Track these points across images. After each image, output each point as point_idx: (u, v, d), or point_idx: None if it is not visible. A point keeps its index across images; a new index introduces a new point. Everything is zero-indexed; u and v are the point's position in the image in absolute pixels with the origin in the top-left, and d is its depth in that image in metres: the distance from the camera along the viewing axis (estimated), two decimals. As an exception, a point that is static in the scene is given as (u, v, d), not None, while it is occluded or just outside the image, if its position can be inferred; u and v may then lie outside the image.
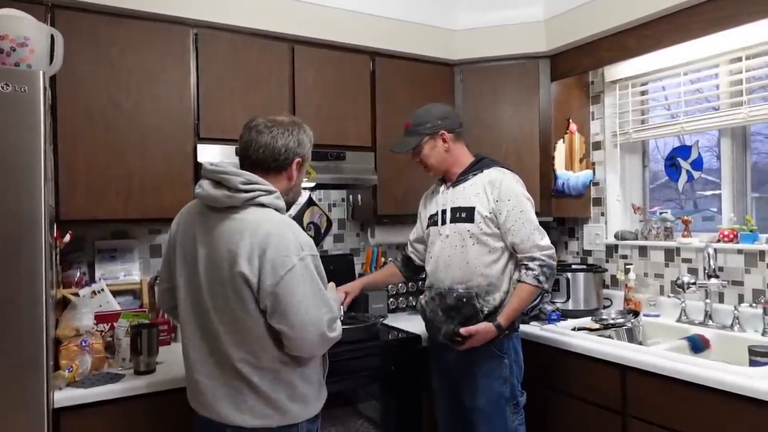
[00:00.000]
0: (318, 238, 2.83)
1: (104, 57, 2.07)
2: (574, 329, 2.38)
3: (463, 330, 1.93)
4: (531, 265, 1.98)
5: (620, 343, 2.15)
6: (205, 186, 1.49)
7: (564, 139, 2.82)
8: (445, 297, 2.04)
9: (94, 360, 1.87)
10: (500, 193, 2.01)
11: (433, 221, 2.17)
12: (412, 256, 2.35)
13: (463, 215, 2.05)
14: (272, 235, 1.39)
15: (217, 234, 1.45)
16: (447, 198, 2.13)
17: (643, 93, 2.78)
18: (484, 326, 1.94)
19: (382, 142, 2.66)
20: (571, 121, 2.85)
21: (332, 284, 1.79)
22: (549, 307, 2.54)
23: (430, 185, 2.36)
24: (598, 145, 2.93)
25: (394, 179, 2.69)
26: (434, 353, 2.22)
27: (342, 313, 2.23)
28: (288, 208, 1.63)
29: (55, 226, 1.95)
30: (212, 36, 2.27)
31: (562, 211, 2.86)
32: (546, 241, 2.00)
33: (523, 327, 2.31)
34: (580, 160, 2.87)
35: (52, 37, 1.74)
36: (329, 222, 2.88)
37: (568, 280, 2.64)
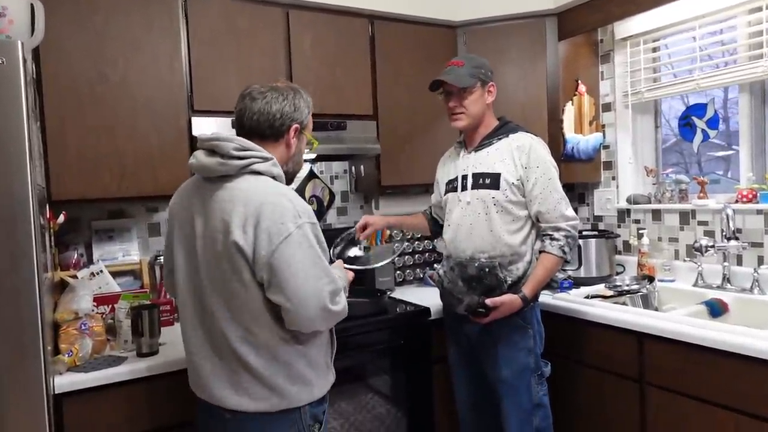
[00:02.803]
0: (321, 212, 2.75)
1: (88, 26, 1.96)
2: (587, 297, 2.32)
3: (488, 301, 1.85)
4: (556, 235, 1.91)
5: (636, 310, 2.09)
6: (198, 156, 1.41)
7: (573, 101, 2.72)
8: (466, 267, 1.96)
9: (95, 343, 1.81)
10: (529, 159, 1.93)
11: (452, 187, 2.09)
12: (436, 217, 2.28)
13: (487, 181, 1.97)
14: (267, 203, 1.32)
15: (212, 205, 1.38)
16: (468, 163, 2.04)
17: (655, 50, 2.65)
18: (509, 297, 1.87)
19: (384, 110, 2.56)
20: (579, 82, 2.74)
21: (339, 262, 1.73)
22: (560, 275, 2.48)
23: (435, 153, 2.27)
24: (608, 107, 2.82)
25: (397, 148, 2.60)
26: (451, 325, 2.15)
27: (363, 243, 2.19)
28: (289, 181, 1.56)
29: (47, 207, 1.88)
30: (202, 3, 2.15)
31: (572, 176, 2.77)
32: (571, 211, 1.94)
33: (534, 296, 2.24)
34: (590, 123, 2.77)
35: (32, 6, 1.64)
36: (332, 195, 2.79)
37: (579, 246, 2.56)
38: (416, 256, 2.90)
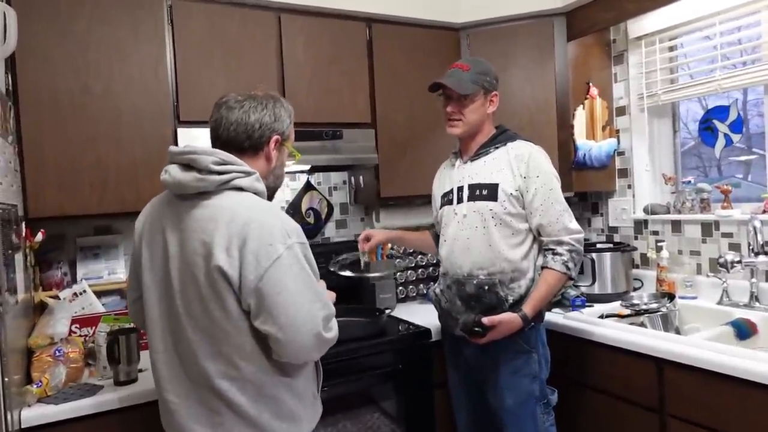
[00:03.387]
0: (319, 225, 2.64)
1: (68, 34, 1.87)
2: (601, 317, 2.16)
3: (485, 320, 1.72)
4: (559, 249, 1.76)
5: (655, 333, 1.92)
6: (172, 171, 1.29)
7: (584, 105, 2.56)
8: (464, 284, 1.84)
9: (71, 371, 1.70)
10: (528, 168, 1.79)
11: (447, 200, 1.96)
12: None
13: (485, 192, 1.84)
14: (253, 222, 1.20)
15: (189, 225, 1.25)
16: (464, 173, 1.91)
17: (671, 49, 2.49)
18: (508, 316, 1.74)
19: (383, 118, 2.43)
20: (591, 84, 2.58)
21: (323, 283, 1.59)
22: (572, 292, 2.32)
23: (438, 162, 2.14)
24: (622, 111, 2.65)
25: (397, 158, 2.47)
26: (450, 347, 2.02)
27: (364, 257, 2.10)
28: (270, 196, 1.44)
29: (23, 224, 1.78)
30: (188, 7, 2.05)
31: (584, 185, 2.61)
32: (575, 224, 1.80)
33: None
34: (603, 128, 2.61)
35: (4, 14, 1.54)
36: (330, 207, 2.68)
37: (593, 260, 2.40)
38: (419, 270, 2.76)
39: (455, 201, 1.92)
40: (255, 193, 1.30)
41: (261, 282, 1.19)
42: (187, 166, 1.28)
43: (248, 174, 1.30)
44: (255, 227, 1.20)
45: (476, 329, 1.73)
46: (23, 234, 1.77)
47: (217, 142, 1.36)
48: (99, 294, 2.07)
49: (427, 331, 2.15)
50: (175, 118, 2.04)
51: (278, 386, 1.27)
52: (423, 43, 2.51)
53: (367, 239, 2.08)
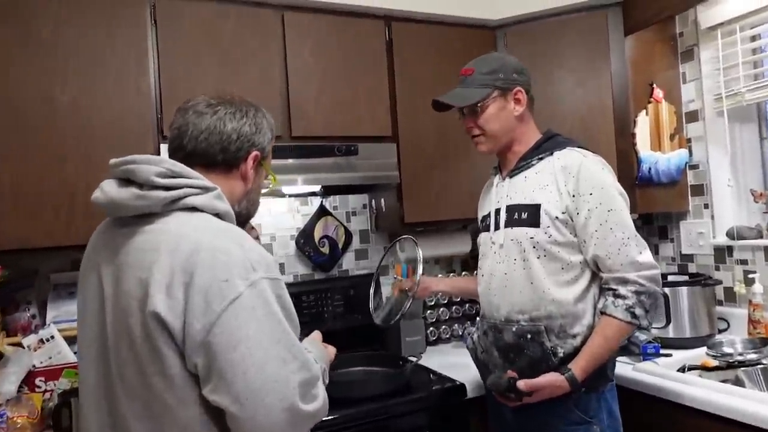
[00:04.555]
0: (335, 255, 2.28)
1: (32, 39, 1.61)
2: (682, 369, 1.70)
3: (521, 384, 1.34)
4: (622, 291, 1.36)
5: (760, 395, 1.45)
6: (105, 187, 0.98)
7: (647, 110, 2.15)
8: (502, 332, 1.47)
9: (15, 440, 1.38)
10: (578, 183, 1.40)
11: (485, 225, 1.61)
12: None
13: (524, 216, 1.46)
14: (203, 250, 0.89)
15: (125, 258, 0.94)
16: (503, 193, 1.55)
17: (754, 38, 2.05)
18: (551, 378, 1.34)
19: (406, 130, 2.09)
20: (655, 86, 2.17)
21: (316, 334, 1.23)
22: (643, 337, 1.87)
23: (475, 181, 1.78)
24: (694, 116, 2.22)
25: (424, 176, 2.10)
26: (492, 408, 1.62)
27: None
28: (241, 225, 1.11)
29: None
30: (174, 6, 1.77)
31: (650, 205, 2.18)
32: (647, 256, 1.39)
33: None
34: (671, 137, 2.18)
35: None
36: (348, 234, 2.32)
37: (666, 297, 1.95)
38: (453, 308, 2.36)
39: (492, 227, 1.56)
40: (215, 215, 0.97)
41: (211, 333, 0.85)
42: (126, 181, 0.96)
43: (206, 190, 0.98)
44: (206, 257, 0.88)
45: (509, 394, 1.34)
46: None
47: (179, 154, 1.05)
48: (71, 340, 1.76)
49: (461, 387, 1.74)
50: (159, 132, 1.75)
51: None
52: (452, 45, 2.15)
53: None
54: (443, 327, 2.32)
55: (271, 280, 0.92)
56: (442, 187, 2.12)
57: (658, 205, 2.22)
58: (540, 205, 1.43)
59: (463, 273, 2.43)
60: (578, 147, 1.50)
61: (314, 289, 2.16)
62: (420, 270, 1.73)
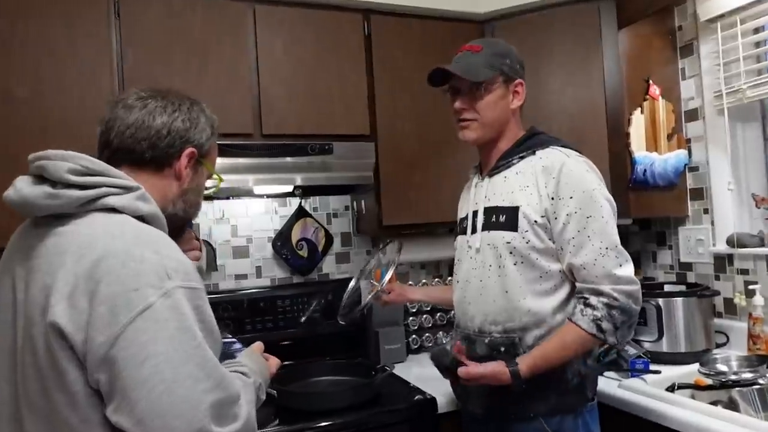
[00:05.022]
0: (315, 259, 2.20)
1: (-14, 33, 1.56)
2: (671, 388, 1.58)
3: (461, 371, 1.26)
4: (593, 301, 1.25)
5: (754, 422, 1.32)
6: (18, 184, 0.90)
7: (643, 108, 2.02)
8: (475, 343, 1.38)
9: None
10: (558, 185, 1.30)
11: (461, 228, 1.51)
12: None
13: (501, 219, 1.37)
14: (112, 256, 0.81)
15: (36, 262, 0.86)
16: (481, 194, 1.45)
17: (756, 31, 1.91)
18: (492, 370, 1.26)
19: (385, 128, 1.99)
20: (651, 82, 2.04)
21: (257, 345, 1.15)
22: (631, 350, 1.75)
23: (459, 182, 1.67)
24: (693, 114, 2.08)
25: (403, 177, 2.01)
26: (467, 426, 1.53)
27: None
28: (177, 228, 1.04)
29: None
30: (139, -2, 1.71)
31: (646, 209, 2.05)
32: (626, 270, 1.27)
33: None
34: (669, 136, 2.05)
35: None
36: (329, 237, 2.23)
37: (658, 308, 1.83)
38: (437, 315, 2.25)
39: (469, 230, 1.47)
40: (137, 217, 0.89)
41: (115, 346, 0.77)
42: (39, 177, 0.89)
43: (128, 189, 0.90)
44: (114, 264, 0.80)
45: (446, 372, 1.33)
46: None
47: (106, 150, 0.98)
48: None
49: (431, 401, 1.64)
50: (120, 130, 1.67)
51: None
52: (435, 39, 2.05)
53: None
54: (426, 335, 2.21)
55: (189, 289, 0.84)
56: (423, 189, 2.02)
57: (654, 209, 2.09)
58: (519, 207, 1.33)
59: (449, 279, 2.32)
60: (563, 146, 1.39)
61: (290, 294, 2.08)
62: (389, 272, 1.64)
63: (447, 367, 1.30)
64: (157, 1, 1.72)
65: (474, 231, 1.44)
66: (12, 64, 1.58)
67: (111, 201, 0.88)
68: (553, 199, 1.30)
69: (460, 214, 1.57)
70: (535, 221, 1.31)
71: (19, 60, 1.59)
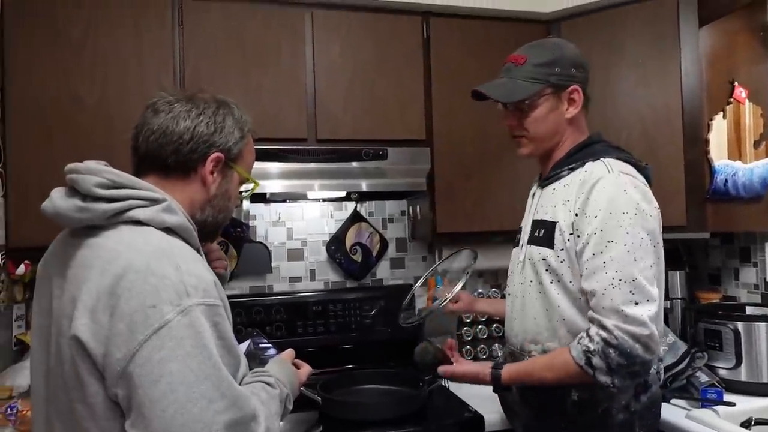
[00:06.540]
0: (368, 264, 2.19)
1: (63, 40, 1.66)
2: (746, 423, 1.43)
3: (442, 370, 1.35)
4: (592, 332, 1.14)
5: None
6: (54, 196, 0.93)
7: (725, 111, 1.85)
8: (517, 359, 1.32)
9: (20, 435, 1.41)
10: (587, 201, 1.20)
11: (516, 240, 1.45)
12: None
13: (541, 234, 1.29)
14: (132, 272, 0.81)
15: (69, 272, 0.89)
16: (534, 205, 1.39)
17: None
18: (474, 370, 1.32)
19: (442, 134, 1.95)
20: (737, 84, 1.86)
21: (288, 354, 1.14)
22: (703, 377, 1.60)
23: (517, 189, 1.61)
24: (786, 119, 1.88)
25: (460, 183, 1.96)
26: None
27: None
28: (210, 236, 1.05)
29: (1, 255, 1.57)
30: (200, 7, 1.76)
31: (727, 223, 1.87)
32: (640, 310, 1.12)
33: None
34: (755, 143, 1.86)
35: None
36: (384, 242, 2.21)
37: (736, 332, 1.67)
38: (493, 326, 2.17)
39: (520, 242, 1.40)
40: (164, 230, 0.90)
41: (132, 363, 0.78)
42: (72, 190, 0.92)
43: (154, 202, 0.90)
44: (135, 280, 0.81)
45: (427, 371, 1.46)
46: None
47: (135, 156, 1.00)
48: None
49: (478, 419, 1.57)
50: (180, 134, 1.73)
51: None
52: (498, 41, 1.97)
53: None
54: (481, 346, 2.14)
55: (208, 306, 0.83)
56: (480, 196, 1.96)
57: (738, 224, 1.90)
58: (556, 223, 1.25)
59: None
60: (616, 158, 1.27)
61: (342, 299, 2.07)
62: (462, 280, 1.57)
63: (428, 365, 1.38)
64: (217, 11, 1.77)
65: (522, 244, 1.37)
66: (82, 72, 1.67)
67: (136, 214, 0.88)
68: (577, 215, 1.20)
69: (522, 224, 1.50)
70: (568, 239, 1.22)
71: (89, 67, 1.68)
